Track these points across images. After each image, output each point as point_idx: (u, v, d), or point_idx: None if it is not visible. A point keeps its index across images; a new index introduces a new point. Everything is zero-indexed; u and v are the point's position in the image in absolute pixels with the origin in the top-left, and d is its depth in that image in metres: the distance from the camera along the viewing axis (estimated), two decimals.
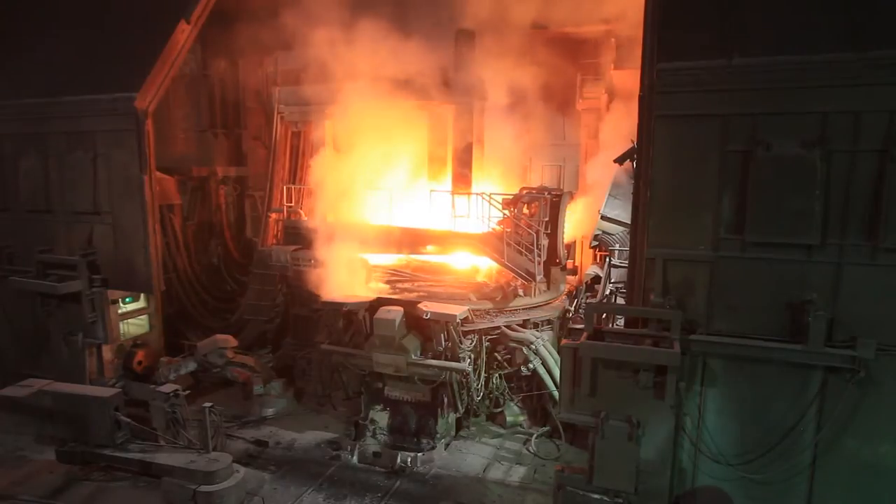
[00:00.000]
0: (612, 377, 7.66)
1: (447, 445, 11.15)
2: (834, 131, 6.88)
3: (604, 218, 12.26)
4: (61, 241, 11.75)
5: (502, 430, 11.80)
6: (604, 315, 8.70)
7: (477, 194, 12.28)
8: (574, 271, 14.47)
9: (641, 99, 7.74)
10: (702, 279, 7.59)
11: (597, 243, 12.96)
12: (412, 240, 12.48)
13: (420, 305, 10.56)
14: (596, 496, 7.95)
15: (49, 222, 11.84)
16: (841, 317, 7.07)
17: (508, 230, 11.55)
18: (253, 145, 18.38)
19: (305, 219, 14.26)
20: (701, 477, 7.88)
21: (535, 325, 11.81)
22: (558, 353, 9.93)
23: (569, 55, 14.35)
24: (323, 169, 14.83)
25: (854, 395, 7.10)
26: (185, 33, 11.18)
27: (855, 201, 6.90)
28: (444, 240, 12.27)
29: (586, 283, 13.36)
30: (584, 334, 7.76)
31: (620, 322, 8.80)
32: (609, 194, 12.36)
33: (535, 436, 11.43)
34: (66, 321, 11.16)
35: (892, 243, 6.76)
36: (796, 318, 7.19)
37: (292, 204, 14.59)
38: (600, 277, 12.87)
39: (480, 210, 12.05)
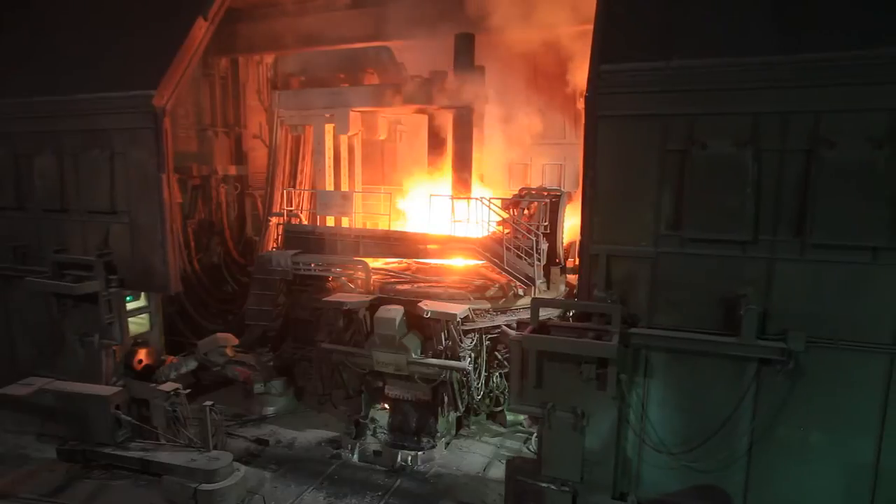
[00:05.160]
0: (557, 369, 7.88)
1: (448, 444, 11.18)
2: (764, 131, 7.07)
3: None
4: (77, 241, 11.57)
5: (503, 429, 11.85)
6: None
7: (476, 199, 12.27)
8: (575, 269, 14.46)
9: (587, 99, 7.87)
10: (643, 274, 7.76)
11: None
12: (412, 244, 12.46)
13: (420, 304, 10.57)
14: (544, 485, 8.15)
15: (65, 222, 11.66)
16: (773, 310, 7.25)
17: (507, 232, 11.53)
18: (253, 144, 18.40)
19: (306, 223, 14.25)
20: (644, 466, 8.05)
21: None
22: None
23: (569, 53, 14.31)
24: (323, 173, 14.86)
25: (785, 385, 7.30)
26: (202, 30, 11.08)
27: (784, 199, 7.09)
28: (444, 244, 12.26)
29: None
30: (529, 328, 7.94)
31: None
32: None
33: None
34: (82, 322, 11.10)
35: (819, 239, 6.93)
36: (731, 311, 7.35)
37: (292, 208, 14.58)
38: None
39: (479, 214, 12.03)
